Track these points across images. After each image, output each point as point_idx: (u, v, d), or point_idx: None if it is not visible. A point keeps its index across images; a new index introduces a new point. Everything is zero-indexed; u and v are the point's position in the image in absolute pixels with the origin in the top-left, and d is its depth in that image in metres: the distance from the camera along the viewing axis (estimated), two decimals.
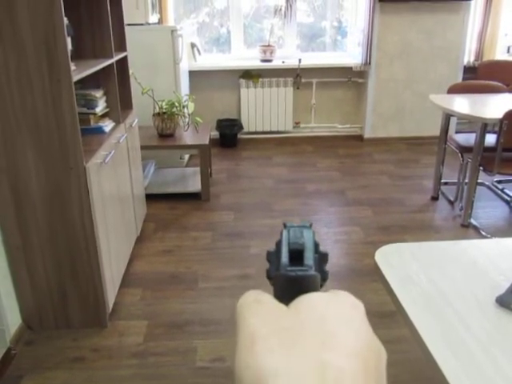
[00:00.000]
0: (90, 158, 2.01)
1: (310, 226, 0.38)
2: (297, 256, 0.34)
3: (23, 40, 1.74)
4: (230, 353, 2.09)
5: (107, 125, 2.42)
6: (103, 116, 2.45)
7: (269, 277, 0.35)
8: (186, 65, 4.36)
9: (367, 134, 5.06)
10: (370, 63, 4.75)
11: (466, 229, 3.18)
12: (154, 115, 3.56)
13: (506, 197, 3.67)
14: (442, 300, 1.05)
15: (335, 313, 0.30)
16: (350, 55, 5.01)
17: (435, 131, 3.85)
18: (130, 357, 2.08)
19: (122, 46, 2.71)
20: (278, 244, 0.36)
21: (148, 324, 2.28)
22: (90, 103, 2.34)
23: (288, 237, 0.36)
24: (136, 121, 2.94)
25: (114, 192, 2.41)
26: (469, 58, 4.92)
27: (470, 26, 4.77)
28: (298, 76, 4.85)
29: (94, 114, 2.34)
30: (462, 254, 1.23)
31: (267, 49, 4.80)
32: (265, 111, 4.96)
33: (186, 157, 4.35)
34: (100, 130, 2.35)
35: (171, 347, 2.13)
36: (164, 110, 3.51)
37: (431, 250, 1.25)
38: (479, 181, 3.21)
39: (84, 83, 2.25)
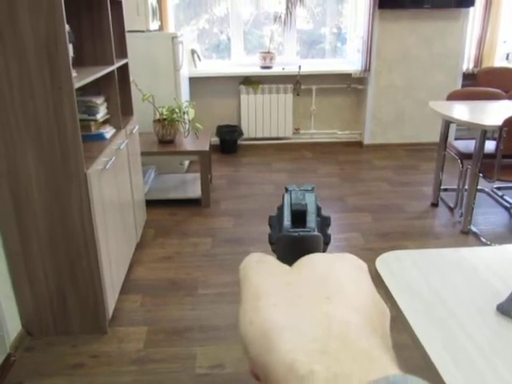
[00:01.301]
0: (90, 165, 2.02)
1: (312, 189, 0.37)
2: (299, 219, 0.33)
3: (25, 47, 1.75)
4: (230, 359, 2.09)
5: (108, 131, 2.42)
6: (104, 122, 2.45)
7: (271, 241, 0.35)
8: (186, 71, 4.37)
9: (367, 141, 5.08)
10: (369, 70, 4.77)
11: (466, 235, 3.18)
12: (154, 121, 3.57)
13: (506, 203, 3.68)
14: (442, 307, 1.05)
15: (340, 271, 0.29)
16: (350, 62, 5.03)
17: (434, 137, 3.86)
18: (129, 363, 2.07)
19: (122, 52, 2.72)
20: (280, 208, 0.36)
21: (148, 330, 2.27)
22: (91, 110, 2.34)
23: (290, 199, 0.35)
24: (137, 127, 2.94)
25: (115, 198, 2.42)
26: (468, 64, 4.94)
27: (468, 33, 4.79)
28: (297, 82, 4.87)
29: (95, 120, 2.35)
30: (462, 261, 1.23)
31: (267, 55, 4.82)
32: (265, 117, 4.97)
33: (186, 163, 4.36)
34: (101, 137, 2.35)
35: (171, 354, 2.13)
36: (164, 117, 3.52)
37: (432, 257, 1.26)
38: (479, 187, 3.21)
39: (85, 90, 2.26)
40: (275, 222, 0.36)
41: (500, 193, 3.82)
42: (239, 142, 4.97)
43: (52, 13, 1.72)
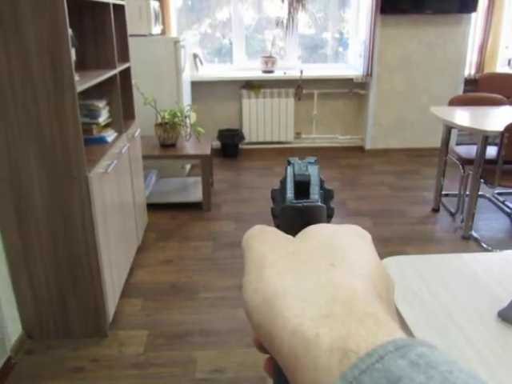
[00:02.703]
0: (92, 168, 2.02)
1: (315, 161, 0.37)
2: (302, 191, 0.33)
3: (28, 51, 1.75)
4: (230, 364, 2.09)
5: (110, 135, 2.43)
6: (106, 126, 2.46)
7: (274, 215, 0.34)
8: (188, 75, 4.38)
9: (368, 145, 5.08)
10: (371, 75, 4.78)
11: (467, 241, 3.18)
12: (156, 125, 3.57)
13: (507, 209, 3.68)
14: (444, 313, 1.05)
15: (344, 239, 0.29)
16: (351, 67, 5.04)
17: (436, 143, 3.86)
18: (129, 367, 2.07)
19: (125, 56, 2.73)
20: (283, 181, 0.35)
21: (148, 334, 2.27)
22: (93, 113, 2.35)
23: (293, 171, 0.34)
24: (138, 131, 2.95)
25: (116, 201, 2.42)
26: (469, 70, 4.95)
27: (470, 39, 4.80)
28: (299, 87, 4.88)
29: (97, 124, 2.36)
30: (463, 266, 1.23)
31: (269, 60, 4.83)
32: (266, 122, 4.98)
33: (188, 166, 4.37)
34: (103, 140, 2.36)
35: (171, 358, 2.13)
36: (166, 120, 3.53)
37: (433, 263, 1.25)
38: (480, 193, 3.21)
39: (87, 93, 2.26)
40: (278, 195, 0.35)
41: (501, 198, 3.82)
42: (240, 146, 4.97)
43: (55, 17, 1.73)
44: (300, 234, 0.30)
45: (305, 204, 0.32)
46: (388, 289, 0.27)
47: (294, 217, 0.32)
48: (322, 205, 0.32)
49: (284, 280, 0.26)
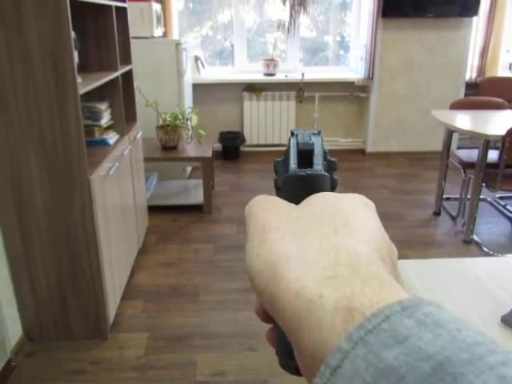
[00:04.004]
0: (94, 170, 2.02)
1: (319, 132, 0.36)
2: (306, 161, 0.32)
3: (31, 53, 1.75)
4: (231, 367, 2.08)
5: (111, 137, 2.43)
6: (108, 128, 2.46)
7: (277, 187, 0.33)
8: (189, 78, 4.39)
9: (369, 148, 5.08)
10: (372, 78, 4.78)
11: (468, 245, 3.18)
12: (157, 127, 3.57)
13: (509, 213, 3.67)
14: None
15: (348, 206, 0.29)
16: (353, 70, 5.05)
17: (437, 146, 3.86)
18: (130, 370, 2.07)
19: (127, 58, 2.73)
20: (286, 152, 0.34)
21: (149, 336, 2.27)
22: (95, 115, 2.35)
23: (296, 141, 0.34)
24: (140, 133, 2.95)
25: (117, 204, 2.42)
26: (471, 74, 4.95)
27: (472, 43, 4.80)
28: (300, 90, 4.88)
29: (99, 126, 2.36)
30: (465, 271, 1.23)
31: (270, 63, 4.83)
32: (267, 124, 4.98)
33: (189, 169, 4.37)
34: (104, 143, 2.36)
35: (172, 360, 2.12)
36: (167, 123, 3.53)
37: (435, 267, 1.25)
38: (481, 197, 3.21)
39: (89, 95, 2.26)
40: (281, 166, 0.34)
41: (502, 202, 3.81)
42: (242, 148, 4.97)
43: (58, 20, 1.73)
44: (303, 202, 0.30)
45: (308, 172, 0.31)
46: (392, 255, 0.27)
47: (296, 186, 0.31)
48: (326, 174, 0.32)
49: (287, 244, 0.26)
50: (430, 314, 0.20)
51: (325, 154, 0.34)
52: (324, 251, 0.25)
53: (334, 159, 0.34)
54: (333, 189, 0.33)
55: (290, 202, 0.30)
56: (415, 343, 0.19)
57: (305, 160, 0.32)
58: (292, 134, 0.36)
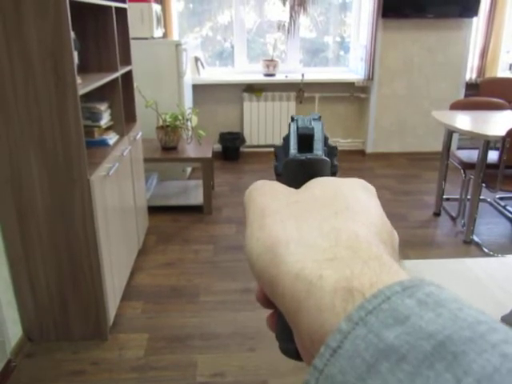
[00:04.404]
0: (93, 171, 2.02)
1: (319, 118, 0.36)
2: (306, 146, 0.32)
3: (31, 54, 1.75)
4: (231, 368, 2.08)
5: (111, 138, 2.43)
6: (107, 129, 2.46)
7: (277, 173, 0.33)
8: (189, 78, 4.39)
9: (369, 149, 5.08)
10: (372, 79, 4.78)
11: (469, 245, 3.17)
12: (157, 128, 3.57)
13: (509, 214, 3.67)
14: None
15: (348, 190, 0.29)
16: (353, 70, 5.05)
17: (437, 147, 3.86)
18: (130, 371, 2.07)
19: (127, 59, 2.73)
20: (286, 138, 0.34)
21: (149, 337, 2.26)
22: (95, 116, 2.35)
23: (296, 126, 0.34)
24: (140, 134, 2.95)
25: (117, 204, 2.42)
26: (471, 74, 4.95)
27: (472, 43, 4.81)
28: (300, 90, 4.88)
29: (99, 126, 2.36)
30: (465, 272, 1.23)
31: (270, 63, 4.83)
32: (267, 125, 4.98)
33: (189, 169, 4.37)
34: (104, 143, 2.36)
35: (171, 361, 2.12)
36: (167, 123, 3.53)
37: (435, 267, 1.25)
38: (481, 197, 3.21)
39: (89, 96, 2.26)
40: (281, 152, 0.34)
41: (503, 203, 3.81)
42: (242, 149, 4.97)
43: (58, 20, 1.73)
44: (303, 186, 0.30)
45: (308, 157, 0.31)
46: (392, 240, 0.27)
47: (296, 171, 0.31)
48: (326, 158, 0.31)
49: (286, 228, 0.25)
50: (431, 293, 0.20)
51: (325, 139, 0.34)
52: (324, 234, 0.25)
53: (334, 145, 0.34)
54: (333, 175, 0.33)
55: (290, 186, 0.30)
56: (416, 322, 0.18)
57: (305, 145, 0.32)
58: (292, 119, 0.36)
